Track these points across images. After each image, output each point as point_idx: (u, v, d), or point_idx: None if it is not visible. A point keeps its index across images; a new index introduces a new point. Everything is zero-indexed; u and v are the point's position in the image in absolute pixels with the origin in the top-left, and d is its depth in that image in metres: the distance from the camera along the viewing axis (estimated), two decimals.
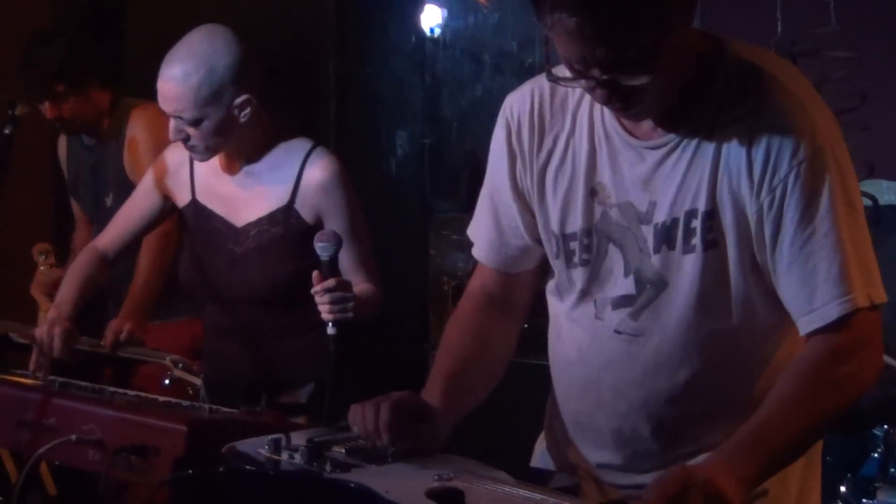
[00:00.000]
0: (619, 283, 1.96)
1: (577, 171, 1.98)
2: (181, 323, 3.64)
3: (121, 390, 2.63)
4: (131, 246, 3.15)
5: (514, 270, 2.14)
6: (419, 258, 4.94)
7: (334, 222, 2.80)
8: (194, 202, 2.95)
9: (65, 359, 2.82)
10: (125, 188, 3.45)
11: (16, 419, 2.47)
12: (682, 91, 1.87)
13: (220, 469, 1.91)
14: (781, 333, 1.96)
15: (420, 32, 5.06)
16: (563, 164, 2.00)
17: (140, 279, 3.46)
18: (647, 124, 1.92)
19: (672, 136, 1.90)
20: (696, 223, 1.88)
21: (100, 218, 3.69)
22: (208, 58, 2.72)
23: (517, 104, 2.04)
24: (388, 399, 1.94)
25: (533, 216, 2.06)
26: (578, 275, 2.00)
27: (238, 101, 2.75)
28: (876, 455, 3.12)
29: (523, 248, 2.11)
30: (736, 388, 1.96)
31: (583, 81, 1.81)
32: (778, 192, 1.83)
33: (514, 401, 2.70)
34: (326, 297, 2.51)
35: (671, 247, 1.91)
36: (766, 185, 1.83)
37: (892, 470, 3.09)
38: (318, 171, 2.83)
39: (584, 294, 2.01)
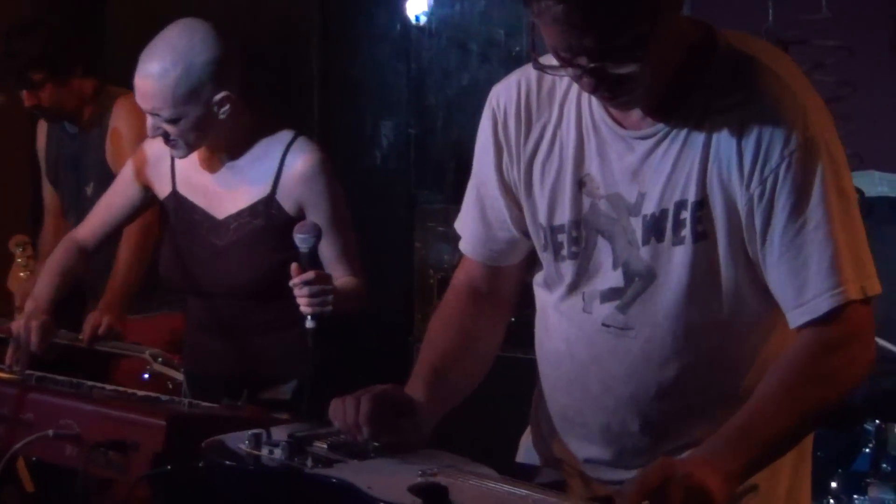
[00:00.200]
0: (608, 276, 1.94)
1: (565, 162, 1.95)
2: (161, 317, 3.61)
3: (99, 384, 2.60)
4: (111, 237, 3.11)
5: (500, 264, 2.12)
6: (404, 250, 4.92)
7: (316, 213, 2.76)
8: (175, 194, 2.91)
9: (41, 353, 2.79)
10: (106, 178, 3.40)
11: None
12: (672, 80, 1.85)
13: (200, 464, 1.88)
14: (771, 326, 1.93)
15: (405, 20, 5.02)
16: (550, 155, 1.97)
17: (119, 272, 3.44)
18: (635, 114, 1.89)
19: (661, 125, 1.87)
20: (686, 214, 1.86)
21: (80, 208, 3.66)
22: (186, 55, 2.66)
23: (503, 95, 2.02)
24: (368, 392, 1.91)
25: (520, 209, 2.03)
26: (567, 267, 1.98)
27: (217, 97, 2.70)
28: (867, 450, 3.12)
29: (510, 241, 2.08)
30: (725, 382, 1.94)
31: (570, 70, 1.79)
32: (769, 183, 1.81)
33: (500, 395, 2.68)
34: (305, 290, 2.48)
35: (660, 238, 1.88)
36: (756, 176, 1.81)
37: (884, 465, 3.09)
38: (300, 161, 2.79)
39: (573, 287, 1.98)
